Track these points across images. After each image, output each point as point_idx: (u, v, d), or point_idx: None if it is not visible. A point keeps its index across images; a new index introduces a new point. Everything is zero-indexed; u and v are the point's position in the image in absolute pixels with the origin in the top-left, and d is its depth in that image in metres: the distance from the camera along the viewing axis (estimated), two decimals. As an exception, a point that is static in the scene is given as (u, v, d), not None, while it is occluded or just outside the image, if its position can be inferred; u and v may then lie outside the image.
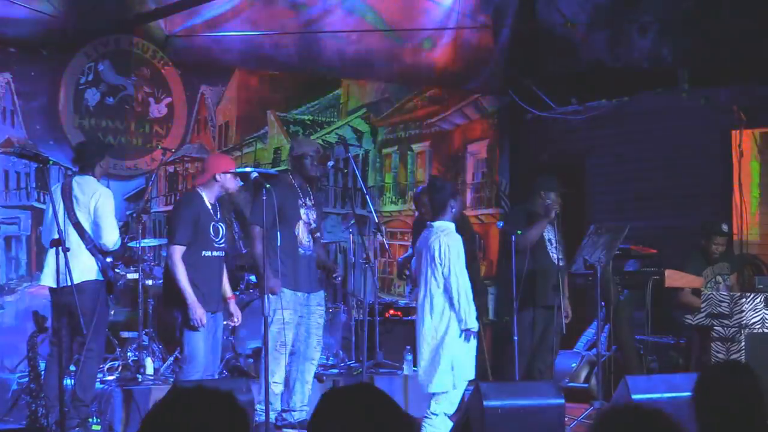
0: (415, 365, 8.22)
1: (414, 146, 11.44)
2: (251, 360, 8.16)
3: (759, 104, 9.73)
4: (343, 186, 10.88)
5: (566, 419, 6.89)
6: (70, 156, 7.87)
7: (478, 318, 7.20)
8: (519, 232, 7.86)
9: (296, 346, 7.38)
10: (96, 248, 7.03)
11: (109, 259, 7.11)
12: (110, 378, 7.71)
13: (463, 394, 7.30)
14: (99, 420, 7.24)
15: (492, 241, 11.25)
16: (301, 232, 7.38)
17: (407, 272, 8.90)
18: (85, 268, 6.96)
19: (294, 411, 7.40)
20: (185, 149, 9.98)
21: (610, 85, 10.71)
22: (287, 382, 7.42)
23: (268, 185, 6.80)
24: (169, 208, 9.31)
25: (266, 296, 6.84)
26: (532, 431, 6.40)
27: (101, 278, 7.07)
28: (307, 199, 7.47)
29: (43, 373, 6.88)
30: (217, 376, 7.31)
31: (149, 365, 7.77)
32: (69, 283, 6.30)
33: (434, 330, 7.16)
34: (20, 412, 7.28)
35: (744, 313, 7.82)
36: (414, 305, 8.50)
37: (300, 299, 7.34)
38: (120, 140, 9.56)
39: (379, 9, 10.84)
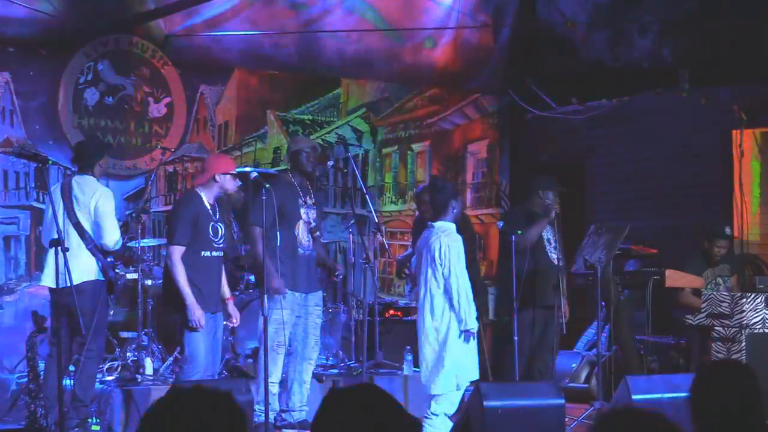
0: (415, 365, 8.21)
1: (414, 146, 11.43)
2: (250, 360, 8.14)
3: (759, 104, 9.72)
4: (343, 186, 10.87)
5: (566, 419, 6.88)
6: (70, 156, 7.86)
7: (478, 318, 7.19)
8: (519, 232, 7.85)
9: (294, 346, 7.37)
10: (96, 248, 7.02)
11: (109, 259, 7.09)
12: (109, 378, 7.69)
13: (463, 394, 7.29)
14: (98, 420, 7.23)
15: (492, 241, 11.24)
16: (301, 231, 7.37)
17: (407, 271, 8.89)
18: (85, 268, 6.95)
19: (293, 411, 7.39)
20: (185, 149, 9.97)
21: (610, 85, 10.70)
22: (286, 383, 7.41)
23: (267, 185, 6.79)
24: (169, 207, 9.29)
25: (265, 296, 6.82)
26: (532, 431, 6.39)
27: (101, 278, 7.05)
28: (308, 198, 7.46)
29: (42, 373, 6.86)
30: (216, 377, 7.30)
31: (148, 365, 7.75)
32: (68, 284, 6.30)
33: (435, 330, 7.15)
34: (19, 412, 7.26)
35: (744, 313, 7.80)
36: (414, 305, 8.50)
37: (298, 299, 7.33)
38: (119, 140, 9.54)
39: (379, 8, 10.83)
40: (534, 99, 11.21)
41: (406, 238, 10.78)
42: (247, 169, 8.06)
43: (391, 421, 2.50)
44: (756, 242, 10.11)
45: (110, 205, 7.11)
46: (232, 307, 7.13)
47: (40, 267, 7.53)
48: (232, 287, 8.05)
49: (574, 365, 9.39)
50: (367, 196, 9.68)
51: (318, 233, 7.46)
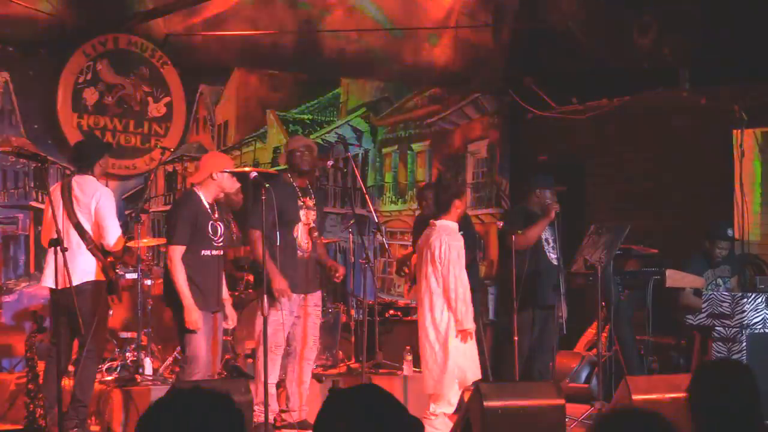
0: (415, 365, 8.19)
1: (414, 146, 11.42)
2: (250, 360, 8.13)
3: (760, 103, 9.70)
4: (343, 186, 10.86)
5: (566, 419, 6.86)
6: (69, 155, 7.85)
7: (477, 318, 7.18)
8: (519, 232, 7.83)
9: (293, 347, 7.36)
10: (97, 248, 7.00)
11: (110, 259, 7.08)
12: (109, 378, 7.68)
13: (463, 394, 7.27)
14: (98, 420, 7.22)
15: (492, 241, 11.23)
16: (300, 234, 7.34)
17: (406, 269, 8.89)
18: (85, 268, 6.94)
19: (293, 411, 7.38)
20: (184, 149, 9.96)
21: (610, 85, 10.69)
22: (285, 383, 7.40)
23: (267, 185, 6.77)
24: (168, 207, 9.28)
25: (264, 297, 6.81)
26: (532, 431, 6.37)
27: (101, 279, 7.03)
28: (307, 199, 7.43)
29: (41, 373, 6.85)
30: (216, 377, 7.29)
31: (148, 365, 7.74)
32: (68, 284, 6.28)
33: (435, 330, 7.14)
34: (18, 412, 7.24)
35: (745, 314, 7.79)
36: (414, 304, 8.49)
37: (296, 300, 7.31)
38: (118, 140, 9.53)
39: (379, 7, 10.82)
40: (534, 99, 11.19)
41: (406, 237, 10.78)
42: (247, 169, 8.04)
43: (393, 421, 2.49)
44: (756, 242, 10.10)
45: (111, 204, 7.09)
46: (229, 309, 7.11)
47: (40, 267, 7.52)
48: (232, 287, 8.05)
49: (574, 365, 9.36)
50: (366, 196, 9.67)
51: (317, 234, 7.42)
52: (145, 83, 9.70)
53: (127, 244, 7.62)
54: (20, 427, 6.84)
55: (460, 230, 7.39)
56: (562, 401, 6.51)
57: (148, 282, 8.11)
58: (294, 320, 7.32)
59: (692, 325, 8.25)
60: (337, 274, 7.44)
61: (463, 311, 7.08)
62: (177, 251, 6.76)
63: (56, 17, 9.07)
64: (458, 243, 7.21)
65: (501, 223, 8.49)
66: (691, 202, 10.30)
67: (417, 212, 9.60)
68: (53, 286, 6.66)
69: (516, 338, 7.73)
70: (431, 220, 7.45)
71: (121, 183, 9.49)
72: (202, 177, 6.94)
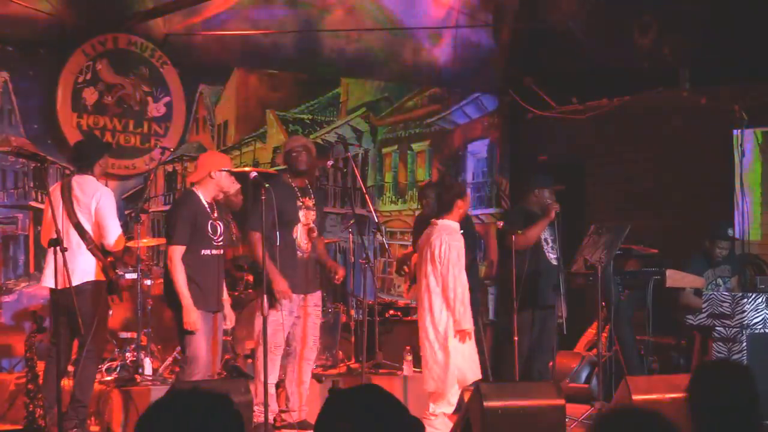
0: (415, 366, 8.19)
1: (414, 145, 11.42)
2: (250, 360, 8.12)
3: (760, 103, 9.69)
4: (343, 185, 10.85)
5: (566, 420, 6.85)
6: (69, 155, 7.84)
7: (477, 319, 7.18)
8: (519, 231, 7.82)
9: (293, 347, 7.35)
10: (97, 248, 6.99)
11: (110, 259, 7.07)
12: (108, 378, 7.67)
13: (463, 394, 7.27)
14: (97, 421, 7.21)
15: (492, 241, 11.22)
16: (300, 235, 7.33)
17: (406, 269, 8.88)
18: (85, 268, 6.93)
19: (292, 411, 7.37)
20: (184, 148, 9.95)
21: (610, 85, 10.68)
22: (285, 383, 7.39)
23: (267, 185, 6.76)
24: (168, 207, 9.27)
25: (264, 297, 6.80)
26: (532, 431, 6.37)
27: (101, 279, 7.02)
28: (307, 199, 7.41)
29: (41, 373, 6.84)
30: (216, 377, 7.28)
31: (147, 366, 7.73)
32: (68, 284, 6.27)
33: (435, 329, 7.13)
34: (18, 412, 7.24)
35: (746, 314, 7.79)
36: (414, 304, 8.48)
37: (296, 300, 7.30)
38: (118, 139, 9.52)
39: (379, 6, 10.81)
40: (534, 99, 11.19)
41: (406, 237, 10.77)
42: (247, 169, 8.03)
43: (394, 421, 2.49)
44: (757, 242, 10.09)
45: (112, 204, 7.08)
46: (228, 309, 7.10)
47: (39, 267, 7.52)
48: (232, 287, 8.04)
49: (574, 365, 9.35)
50: (366, 195, 9.66)
51: (315, 234, 7.40)
52: (145, 83, 9.69)
53: (127, 244, 7.62)
54: (20, 427, 6.83)
55: (460, 230, 7.38)
56: (562, 401, 6.50)
57: (148, 282, 8.10)
58: (294, 320, 7.31)
59: (692, 326, 8.24)
60: (336, 277, 7.43)
61: (461, 312, 7.08)
62: (177, 251, 6.75)
63: (56, 17, 9.06)
64: (458, 243, 7.20)
65: (501, 223, 8.48)
66: (691, 202, 10.30)
67: (417, 212, 9.59)
68: (53, 286, 6.65)
69: (516, 338, 7.73)
70: (433, 219, 7.44)
71: (120, 183, 9.48)
72: (200, 176, 6.94)
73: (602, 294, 7.99)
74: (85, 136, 8.94)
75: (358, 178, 9.89)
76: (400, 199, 11.29)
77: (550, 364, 8.23)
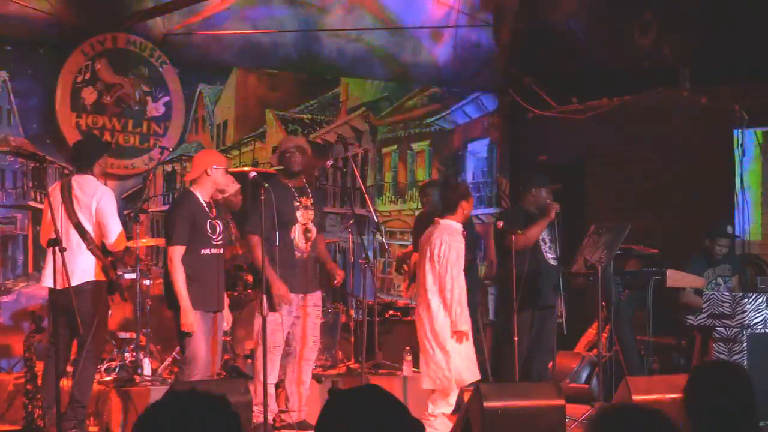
0: (415, 366, 8.17)
1: (414, 145, 11.41)
2: (249, 361, 8.10)
3: (760, 103, 9.68)
4: (342, 185, 10.84)
5: (566, 420, 6.84)
6: (68, 155, 7.82)
7: (476, 319, 7.16)
8: (519, 231, 7.81)
9: (293, 347, 7.34)
10: (97, 248, 6.98)
11: (110, 259, 7.05)
12: (107, 379, 7.65)
13: (463, 395, 7.25)
14: (96, 421, 7.20)
15: (492, 241, 11.20)
16: (298, 235, 7.31)
17: (405, 267, 8.86)
18: (85, 268, 6.91)
19: (292, 412, 7.36)
20: (183, 148, 9.94)
21: (610, 85, 10.68)
22: (285, 383, 7.38)
23: (266, 184, 6.75)
24: (167, 207, 9.26)
25: (263, 297, 6.79)
26: (532, 431, 6.36)
27: (101, 279, 7.01)
28: (305, 198, 7.39)
29: (40, 374, 6.83)
30: (215, 377, 7.26)
31: (146, 366, 7.72)
32: (67, 285, 6.25)
33: (434, 329, 7.12)
34: (17, 413, 7.23)
35: (746, 314, 7.78)
36: (413, 304, 8.47)
37: (296, 300, 7.28)
38: (117, 139, 9.51)
39: (379, 6, 10.80)
40: (534, 99, 11.18)
41: (405, 237, 10.76)
42: (246, 168, 8.02)
43: (394, 422, 2.49)
44: (757, 242, 10.08)
45: (112, 204, 7.07)
46: (225, 310, 7.09)
47: (38, 267, 7.50)
48: (231, 287, 8.02)
49: (574, 366, 9.34)
50: (366, 195, 9.65)
51: (310, 234, 7.36)
52: (144, 83, 9.68)
53: (126, 244, 7.60)
54: (18, 427, 6.82)
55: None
56: (562, 402, 6.49)
57: (147, 282, 8.08)
58: (293, 320, 7.29)
59: (693, 326, 8.23)
60: (335, 281, 7.42)
61: (458, 312, 7.06)
62: (177, 252, 6.73)
63: (55, 16, 9.05)
64: (459, 244, 7.19)
65: (500, 223, 8.46)
66: (691, 202, 10.28)
67: (417, 212, 9.58)
68: (52, 286, 6.63)
69: (516, 338, 7.71)
70: (436, 218, 7.42)
71: (119, 183, 9.46)
72: (196, 174, 6.93)
73: (602, 294, 7.98)
74: (84, 136, 8.93)
75: (358, 177, 9.88)
76: (399, 199, 11.28)
77: (550, 364, 8.21)
